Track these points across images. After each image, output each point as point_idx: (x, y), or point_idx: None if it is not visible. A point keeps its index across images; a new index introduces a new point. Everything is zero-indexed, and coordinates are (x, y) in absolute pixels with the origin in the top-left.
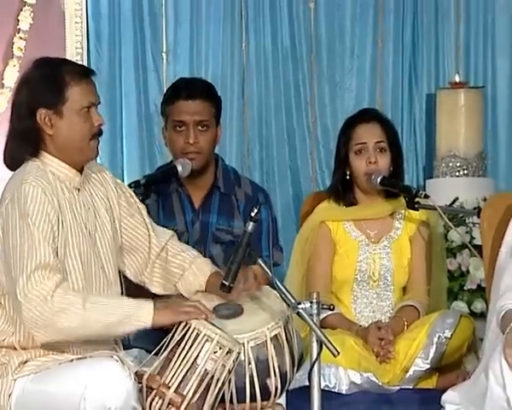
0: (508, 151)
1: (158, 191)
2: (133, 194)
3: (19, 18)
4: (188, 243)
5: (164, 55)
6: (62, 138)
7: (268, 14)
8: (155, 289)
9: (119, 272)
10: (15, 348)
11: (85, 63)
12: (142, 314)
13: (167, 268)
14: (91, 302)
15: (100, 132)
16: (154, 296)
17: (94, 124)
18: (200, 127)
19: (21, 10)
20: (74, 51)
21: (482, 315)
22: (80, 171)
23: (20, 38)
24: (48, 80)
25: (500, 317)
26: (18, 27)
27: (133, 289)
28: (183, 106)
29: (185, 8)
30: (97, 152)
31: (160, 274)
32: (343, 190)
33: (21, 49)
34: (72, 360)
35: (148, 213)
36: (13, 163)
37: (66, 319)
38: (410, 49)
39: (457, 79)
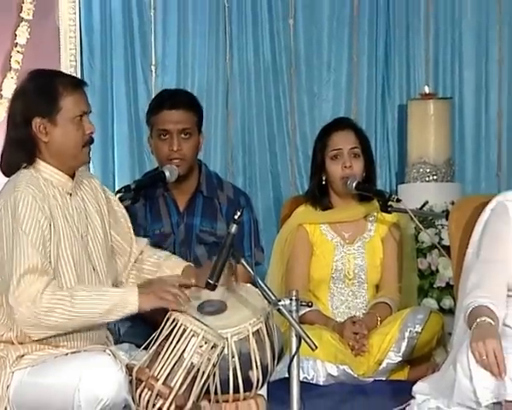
0: (474, 158)
1: (145, 196)
2: (118, 201)
3: (16, 33)
4: (174, 244)
5: (153, 67)
6: (57, 145)
7: (250, 29)
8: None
9: None
10: (13, 343)
11: (79, 75)
12: (129, 301)
13: (142, 269)
14: (79, 296)
15: (91, 140)
16: None
17: (86, 132)
18: (183, 135)
19: (19, 26)
20: (68, 64)
21: (450, 311)
22: (72, 177)
23: (18, 51)
24: (42, 91)
25: (467, 313)
26: (15, 42)
27: None
28: (167, 115)
29: (173, 24)
30: (89, 158)
31: (135, 275)
32: (319, 194)
33: (19, 62)
34: (66, 354)
35: (137, 216)
36: (8, 170)
37: (56, 317)
38: (382, 63)
39: (427, 90)
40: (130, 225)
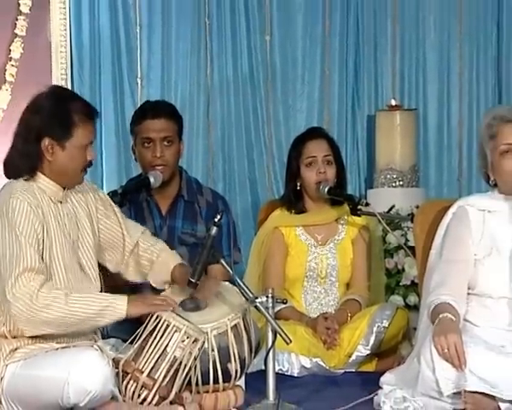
0: (437, 165)
1: (130, 200)
2: (109, 199)
3: (11, 48)
4: None
5: (138, 80)
6: (59, 166)
7: (229, 45)
8: (130, 277)
9: (100, 265)
10: (6, 337)
11: (69, 87)
12: (118, 306)
13: (139, 261)
14: (73, 298)
15: (90, 165)
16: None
17: (88, 158)
18: (165, 143)
19: (13, 41)
20: (59, 77)
21: (415, 307)
22: (64, 188)
23: (12, 65)
24: (58, 115)
25: (430, 310)
26: (10, 56)
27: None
28: (150, 124)
29: (157, 40)
30: (83, 179)
31: (133, 266)
32: (294, 199)
33: (13, 76)
34: (57, 349)
35: None
36: (11, 174)
37: (50, 314)
38: (352, 78)
39: (394, 102)
40: (121, 221)
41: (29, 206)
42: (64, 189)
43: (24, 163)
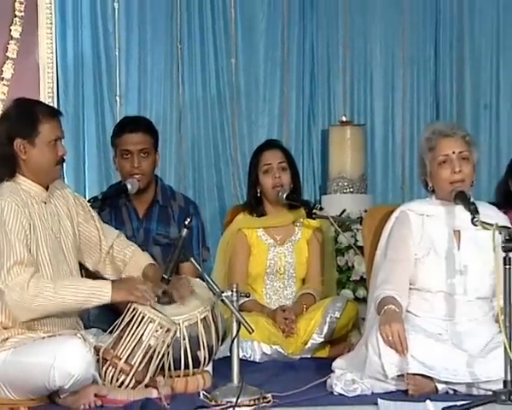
0: (383, 174)
1: (111, 205)
2: (88, 205)
3: (2, 69)
4: None
5: (117, 98)
6: (33, 163)
7: (199, 67)
8: (107, 275)
9: (80, 264)
10: None
11: (55, 105)
12: (103, 292)
13: (113, 262)
14: (61, 285)
15: (62, 160)
16: None
17: (58, 154)
18: (142, 154)
19: (5, 63)
20: (46, 95)
21: (364, 300)
22: (46, 188)
23: (4, 84)
24: (25, 116)
25: (376, 303)
26: (2, 76)
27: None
28: (129, 138)
29: (134, 62)
30: (60, 174)
31: (109, 266)
32: (255, 204)
33: (4, 94)
34: (43, 338)
35: (103, 221)
36: None
37: (40, 301)
38: (308, 96)
39: (344, 118)
40: (98, 225)
41: (16, 206)
42: (47, 190)
43: (2, 167)
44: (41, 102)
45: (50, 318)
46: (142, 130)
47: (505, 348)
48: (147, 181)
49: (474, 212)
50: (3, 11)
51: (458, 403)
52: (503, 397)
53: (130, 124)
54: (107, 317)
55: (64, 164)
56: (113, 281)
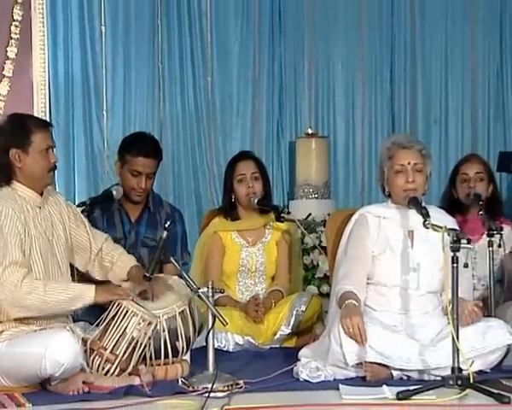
0: (344, 181)
1: (103, 209)
2: (79, 211)
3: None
4: (124, 247)
5: (104, 113)
6: (28, 170)
7: (178, 84)
8: (96, 276)
9: (71, 265)
10: None
11: (48, 119)
12: (87, 294)
13: (101, 263)
14: (50, 287)
15: (54, 167)
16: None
17: (51, 161)
18: (149, 176)
19: (1, 81)
20: (40, 110)
21: (327, 295)
22: (41, 194)
23: (0, 100)
24: (18, 128)
25: (338, 297)
26: None
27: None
28: (141, 161)
29: (119, 79)
30: (53, 180)
31: (98, 267)
32: (230, 209)
33: (1, 109)
34: (35, 331)
35: (95, 224)
36: None
37: (31, 300)
38: (277, 111)
39: (310, 131)
40: (88, 230)
41: (13, 211)
42: (41, 195)
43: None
44: (33, 115)
45: None
46: (155, 156)
47: (453, 338)
48: (144, 196)
49: (426, 215)
50: (0, 33)
51: (411, 388)
52: (451, 382)
53: (146, 148)
54: (93, 311)
55: (56, 172)
56: (96, 286)
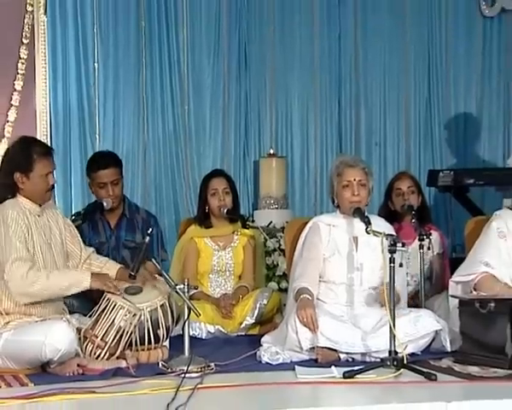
0: (299, 194)
1: (89, 219)
2: (73, 225)
3: (8, 113)
4: (108, 249)
5: (97, 136)
6: (28, 191)
7: (159, 112)
8: None
9: None
10: (1, 314)
11: (49, 141)
12: (84, 280)
13: (90, 268)
14: (52, 275)
15: (52, 188)
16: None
17: (49, 184)
18: (114, 184)
19: (9, 109)
20: (42, 134)
21: (285, 290)
22: (39, 205)
23: (9, 125)
24: (23, 155)
25: (294, 292)
26: (7, 119)
27: None
28: (102, 174)
29: (110, 107)
30: (51, 197)
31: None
32: (203, 218)
33: (9, 132)
34: (36, 321)
35: (83, 232)
36: None
37: (36, 287)
38: (243, 135)
39: (271, 151)
40: (79, 239)
41: (18, 215)
42: (40, 206)
43: (5, 191)
44: (39, 141)
45: (43, 305)
46: (112, 165)
47: (390, 326)
48: (118, 201)
49: (368, 223)
50: (9, 69)
51: (355, 368)
52: (388, 363)
53: (102, 161)
54: (86, 305)
55: (55, 188)
56: (92, 274)
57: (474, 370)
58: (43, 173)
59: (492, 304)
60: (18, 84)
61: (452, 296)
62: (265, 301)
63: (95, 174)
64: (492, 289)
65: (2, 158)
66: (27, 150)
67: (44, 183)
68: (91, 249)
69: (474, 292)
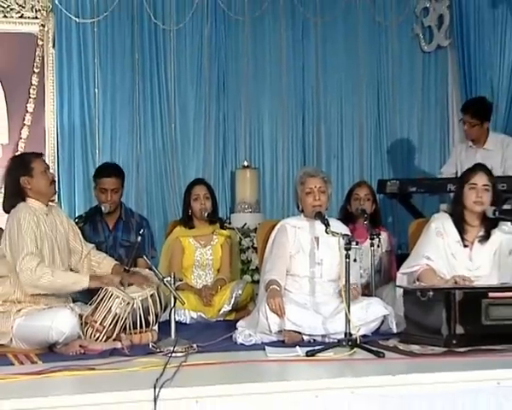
0: (270, 200)
1: (91, 221)
2: (76, 226)
3: (21, 131)
4: (106, 247)
5: (97, 151)
6: (36, 188)
7: (150, 129)
8: (83, 272)
9: None
10: (14, 302)
11: (56, 158)
12: (83, 280)
13: (90, 263)
14: (56, 273)
15: (54, 181)
16: None
17: (49, 177)
18: (114, 191)
19: (22, 128)
20: (50, 149)
21: (257, 282)
22: (46, 205)
23: (22, 142)
24: (21, 162)
25: (265, 284)
26: (20, 137)
27: None
28: (106, 181)
29: (108, 126)
30: (55, 192)
31: (86, 268)
32: (187, 220)
33: (22, 148)
34: (44, 309)
35: (85, 232)
36: (8, 208)
37: (43, 281)
38: (222, 149)
39: (246, 163)
40: (81, 237)
41: (29, 216)
42: (46, 206)
43: (15, 198)
44: (25, 152)
45: (49, 295)
46: (115, 175)
47: (346, 312)
48: (115, 207)
49: (327, 225)
50: (22, 94)
51: (316, 348)
52: (344, 343)
53: (107, 171)
54: (87, 295)
55: (61, 193)
56: (90, 275)
57: (415, 348)
58: (42, 170)
59: (431, 293)
60: (30, 107)
61: (398, 286)
62: (240, 292)
63: (99, 180)
64: (432, 280)
65: (5, 176)
66: (23, 159)
67: (46, 177)
68: (91, 246)
69: (418, 281)
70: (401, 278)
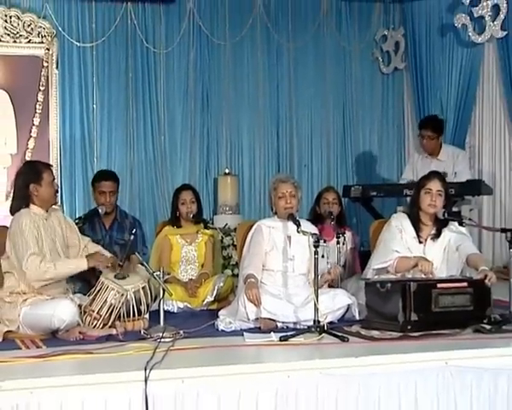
0: (248, 203)
1: (90, 222)
2: (74, 224)
3: (28, 142)
4: (103, 246)
5: (95, 159)
6: (42, 196)
7: (142, 140)
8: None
9: None
10: (20, 293)
11: (59, 164)
12: (82, 262)
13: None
14: (58, 264)
15: (57, 191)
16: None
17: (55, 188)
18: (111, 194)
19: (29, 139)
20: (54, 158)
21: (237, 276)
22: (46, 211)
23: (29, 152)
24: (33, 170)
25: (244, 277)
26: (27, 147)
27: None
28: (104, 184)
29: (105, 138)
30: (57, 200)
31: None
32: (175, 221)
33: (29, 157)
34: (47, 299)
35: (84, 231)
36: (14, 211)
37: (48, 275)
38: (206, 158)
39: (227, 171)
40: (78, 233)
41: (30, 220)
42: (46, 211)
43: (20, 202)
44: (39, 160)
45: (51, 287)
46: (111, 179)
47: (314, 302)
48: (112, 208)
49: (298, 225)
50: (29, 109)
51: (289, 333)
52: (313, 329)
53: (105, 175)
54: (85, 287)
55: (63, 198)
56: (86, 256)
57: (375, 333)
58: (50, 180)
59: (389, 285)
60: (36, 121)
61: (361, 279)
62: (222, 284)
63: (98, 184)
64: (409, 263)
65: (16, 178)
66: (35, 167)
67: (52, 188)
68: (87, 239)
69: (398, 275)
70: (371, 273)
